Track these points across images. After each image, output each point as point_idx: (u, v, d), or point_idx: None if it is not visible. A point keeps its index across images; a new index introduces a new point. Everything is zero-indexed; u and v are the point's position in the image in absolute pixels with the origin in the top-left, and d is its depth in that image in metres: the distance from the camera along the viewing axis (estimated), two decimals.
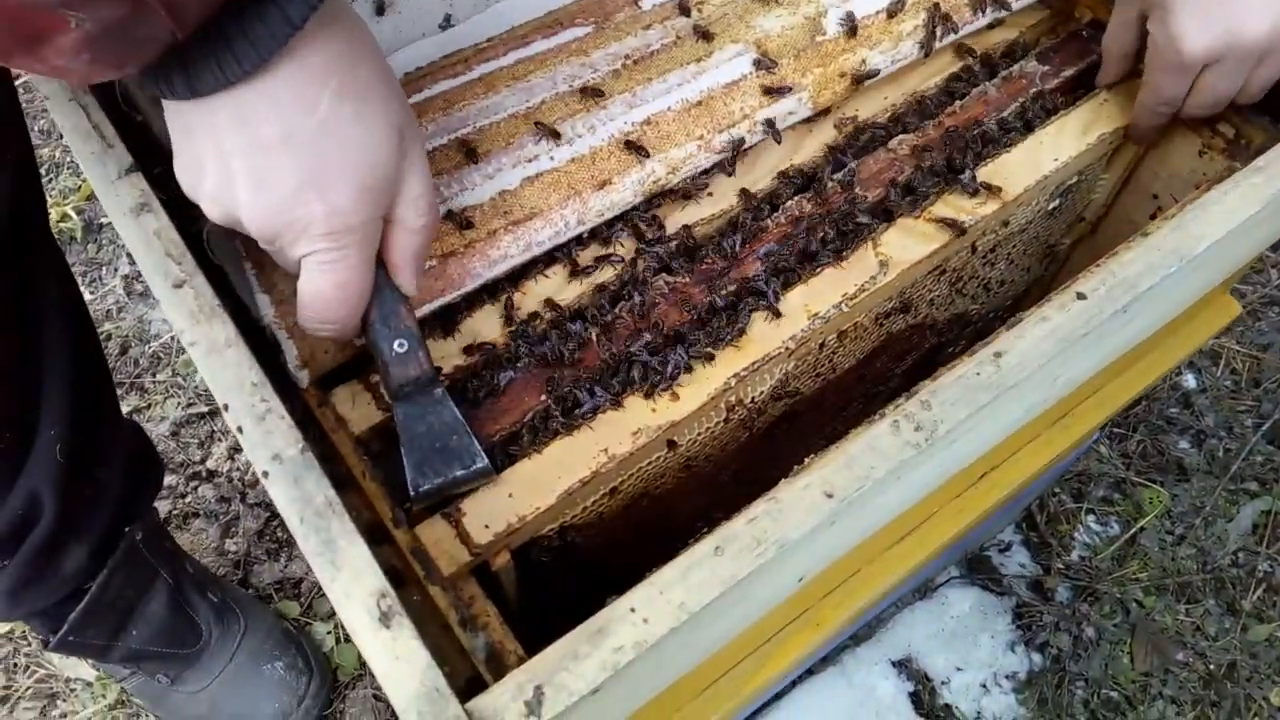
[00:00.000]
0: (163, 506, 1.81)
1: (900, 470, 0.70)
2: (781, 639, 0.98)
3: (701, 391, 0.86)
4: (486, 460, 0.80)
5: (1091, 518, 1.82)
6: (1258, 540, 1.78)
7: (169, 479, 1.84)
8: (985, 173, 0.99)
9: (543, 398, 0.87)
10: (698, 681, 0.92)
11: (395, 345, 0.78)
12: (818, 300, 0.91)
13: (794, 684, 1.51)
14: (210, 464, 1.88)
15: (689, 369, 0.87)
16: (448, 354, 0.89)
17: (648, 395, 0.85)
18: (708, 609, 0.65)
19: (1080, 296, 0.75)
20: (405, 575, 0.81)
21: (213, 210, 0.69)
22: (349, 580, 0.64)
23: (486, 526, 0.79)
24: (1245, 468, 1.85)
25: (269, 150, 0.64)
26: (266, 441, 0.69)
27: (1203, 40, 0.89)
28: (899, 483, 0.73)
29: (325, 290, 0.71)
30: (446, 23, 1.06)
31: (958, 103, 1.06)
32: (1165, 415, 1.93)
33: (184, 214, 0.80)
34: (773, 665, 0.98)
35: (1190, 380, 1.98)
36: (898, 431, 0.70)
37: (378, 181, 0.68)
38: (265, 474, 0.68)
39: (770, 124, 0.98)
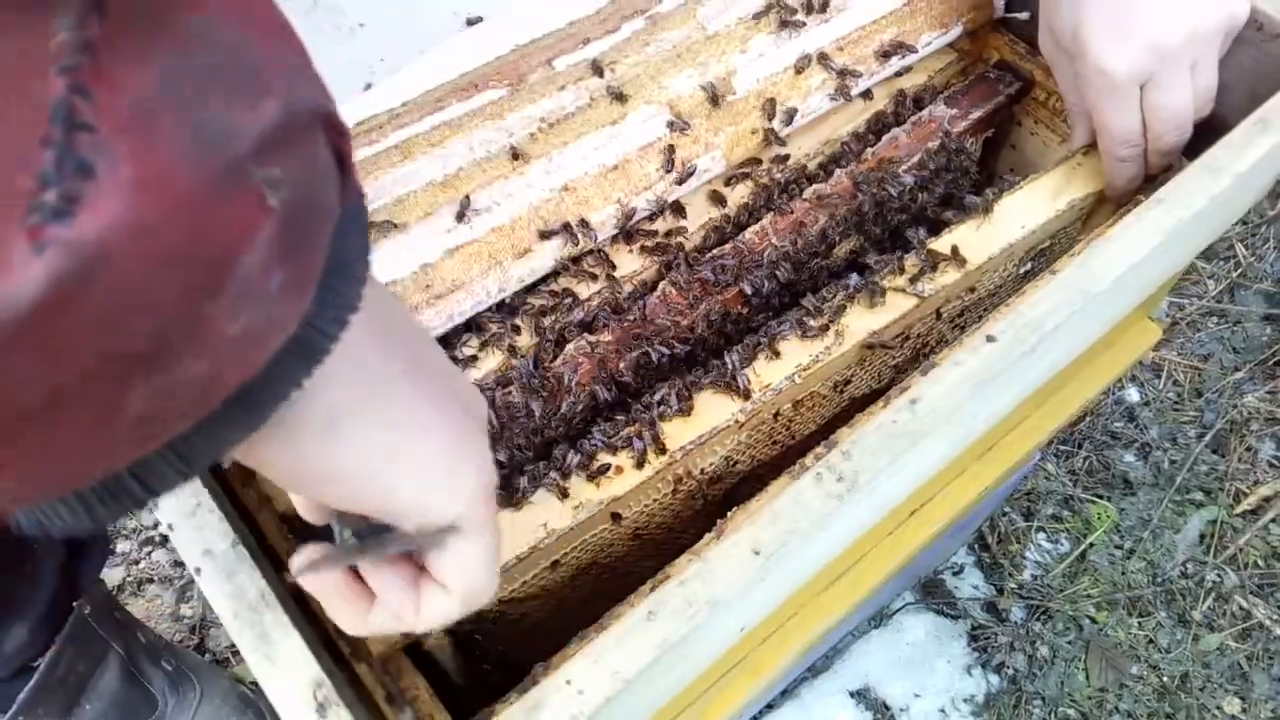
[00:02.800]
0: (116, 573, 1.79)
1: (825, 522, 0.72)
2: (720, 687, 0.99)
3: (646, 467, 0.86)
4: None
5: (1042, 536, 1.84)
6: (1205, 550, 1.82)
7: (122, 545, 1.82)
8: (949, 239, 0.98)
9: None
10: None
11: None
12: (770, 371, 0.91)
13: (754, 719, 1.52)
14: (163, 529, 1.85)
15: (627, 445, 0.87)
16: None
17: (590, 479, 0.86)
18: (643, 674, 0.66)
19: (990, 339, 0.77)
20: (336, 651, 0.81)
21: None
22: (284, 673, 0.65)
23: None
24: (1190, 478, 1.89)
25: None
26: (198, 538, 0.69)
27: (1125, 57, 0.90)
28: (825, 533, 0.74)
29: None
30: (367, 90, 1.07)
31: (869, 150, 1.09)
32: (1110, 430, 1.97)
33: None
34: (712, 714, 0.98)
35: (1133, 394, 2.02)
36: (820, 483, 0.72)
37: None
38: (198, 570, 0.68)
39: (687, 182, 1.00)
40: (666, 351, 0.96)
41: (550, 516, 0.84)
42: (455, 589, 0.53)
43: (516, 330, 0.95)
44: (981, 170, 1.25)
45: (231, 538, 0.69)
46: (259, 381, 0.37)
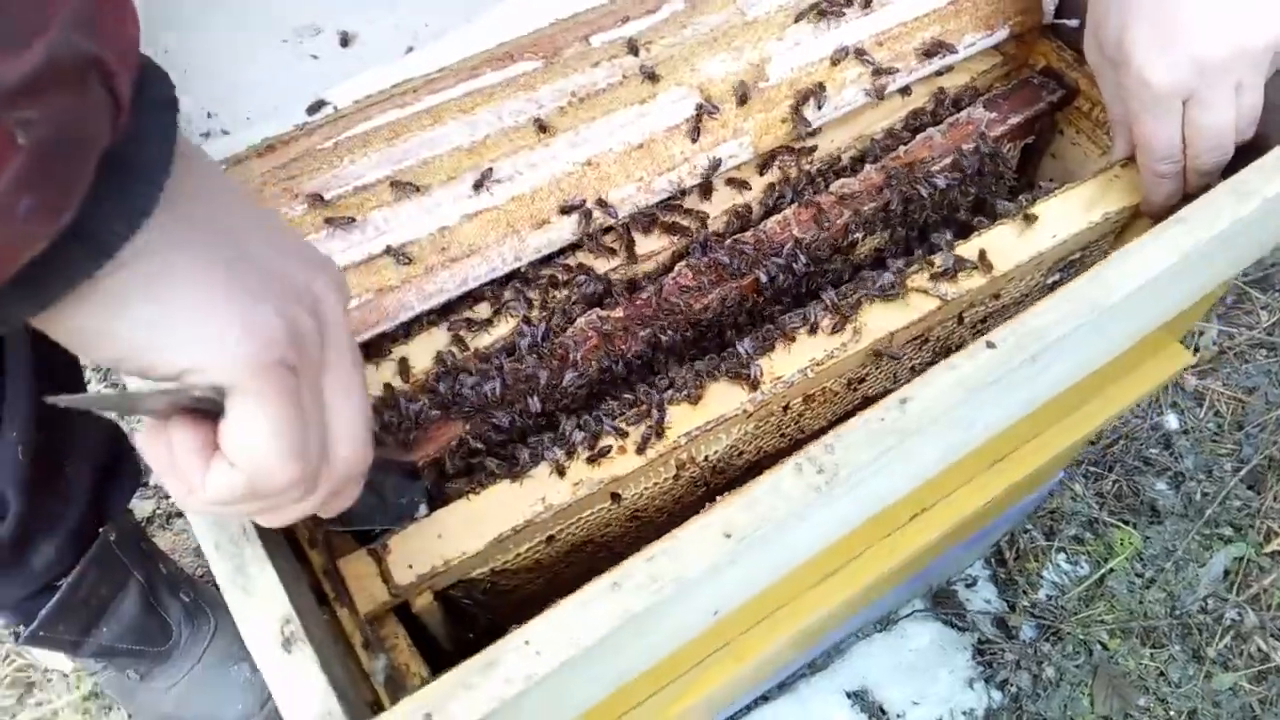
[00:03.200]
0: (147, 506, 1.85)
1: (803, 512, 0.72)
2: (702, 669, 0.99)
3: (649, 449, 0.86)
4: (424, 506, 0.82)
5: (1062, 556, 1.82)
6: (1228, 587, 1.78)
7: (155, 479, 1.87)
8: (978, 244, 0.96)
9: (476, 444, 0.89)
10: (613, 709, 0.93)
11: None
12: (783, 363, 0.90)
13: (749, 709, 1.52)
14: None
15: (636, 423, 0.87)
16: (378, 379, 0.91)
17: (591, 461, 0.86)
18: (603, 642, 0.66)
19: (990, 345, 0.77)
20: (321, 593, 0.83)
21: None
22: (257, 606, 0.67)
23: (410, 566, 0.81)
24: (1221, 512, 1.85)
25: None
26: None
27: (1168, 71, 0.88)
28: (805, 524, 0.74)
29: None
30: (408, 53, 1.08)
31: (902, 148, 1.08)
32: (1144, 456, 1.93)
33: None
34: (693, 694, 0.99)
35: (1172, 421, 1.98)
36: (800, 474, 0.72)
37: None
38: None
39: (714, 168, 1.00)
40: (676, 335, 0.96)
41: (549, 491, 0.85)
42: (238, 461, 0.54)
43: (529, 302, 0.96)
44: (1020, 177, 1.23)
45: None
46: (45, 272, 0.44)
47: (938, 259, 0.95)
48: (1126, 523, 1.83)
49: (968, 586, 1.77)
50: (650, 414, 0.87)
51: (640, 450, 0.86)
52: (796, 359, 0.91)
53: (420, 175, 0.95)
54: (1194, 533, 1.82)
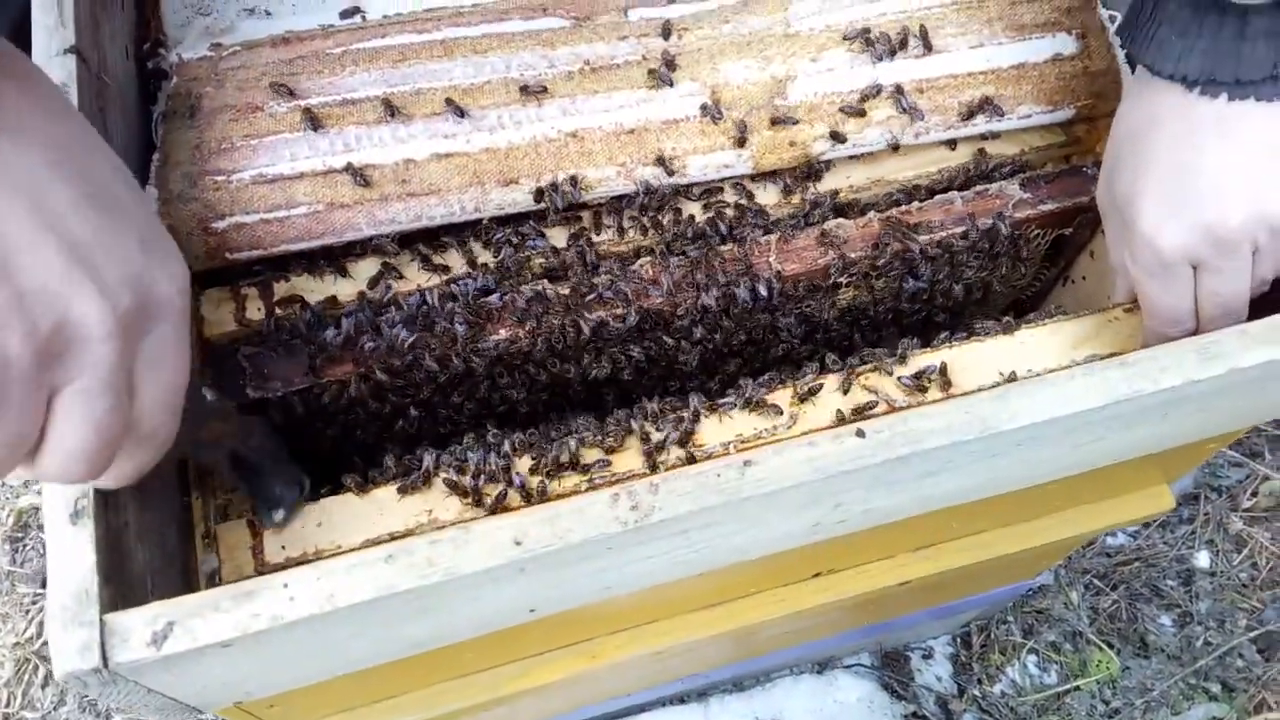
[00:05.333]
0: None
1: (606, 541, 0.70)
2: (549, 659, 0.99)
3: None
4: (283, 512, 0.82)
5: (1033, 658, 1.74)
6: None
7: None
8: (945, 355, 0.90)
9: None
10: (427, 671, 0.93)
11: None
12: (708, 432, 0.87)
13: (643, 709, 1.52)
14: None
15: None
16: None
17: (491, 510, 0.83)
18: (359, 608, 0.67)
19: (859, 434, 0.73)
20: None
21: None
22: None
23: (283, 548, 0.82)
24: (1216, 667, 1.73)
25: None
26: None
27: (1177, 235, 0.80)
28: (614, 553, 0.73)
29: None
30: None
31: (916, 204, 1.02)
32: (1156, 585, 1.82)
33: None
34: (533, 679, 0.99)
35: (1202, 559, 1.86)
36: (615, 504, 0.70)
37: None
38: None
39: (703, 174, 0.97)
40: (618, 326, 0.94)
41: (438, 507, 0.83)
42: None
43: (475, 257, 0.96)
44: (1051, 266, 1.15)
45: None
46: None
47: (894, 365, 0.90)
48: (1111, 646, 1.74)
49: (923, 657, 1.72)
50: (558, 464, 0.84)
51: (532, 496, 0.84)
52: (721, 430, 0.87)
53: (409, 103, 0.95)
54: (1179, 678, 1.71)
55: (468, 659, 0.94)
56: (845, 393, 0.88)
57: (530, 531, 0.69)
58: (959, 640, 1.73)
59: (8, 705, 1.75)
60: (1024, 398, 0.74)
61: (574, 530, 0.69)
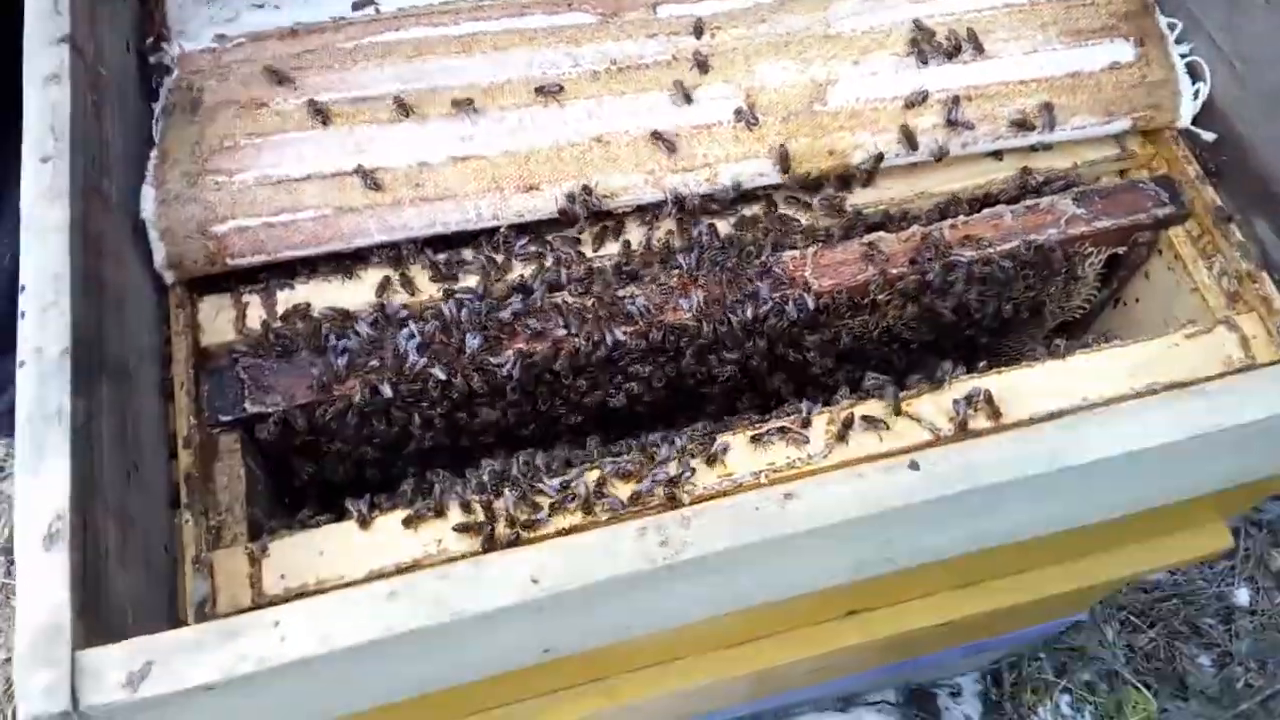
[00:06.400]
0: None
1: (632, 580, 0.63)
2: (564, 698, 0.92)
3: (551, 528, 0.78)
4: None
5: (1066, 698, 1.65)
6: None
7: None
8: (991, 382, 0.84)
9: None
10: (421, 715, 0.86)
11: None
12: (738, 460, 0.80)
13: None
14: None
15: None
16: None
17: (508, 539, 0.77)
18: (357, 650, 0.60)
19: (913, 466, 0.66)
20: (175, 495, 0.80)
21: None
22: (36, 493, 0.63)
23: (282, 577, 0.76)
24: (1258, 712, 1.64)
25: None
26: (38, 332, 0.68)
27: None
28: (640, 592, 0.66)
29: None
30: None
31: (963, 218, 0.96)
32: (1195, 623, 1.74)
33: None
34: (549, 717, 0.92)
35: (1242, 596, 1.77)
36: (641, 538, 0.63)
37: None
38: (22, 363, 0.67)
39: (736, 184, 0.91)
40: (633, 342, 0.88)
41: (448, 537, 0.77)
42: None
43: (490, 265, 0.89)
44: (1103, 286, 1.08)
45: (65, 345, 0.67)
46: None
47: (942, 393, 0.83)
48: (1148, 686, 1.65)
49: (951, 695, 1.64)
50: (577, 498, 0.78)
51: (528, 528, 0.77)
52: (752, 458, 0.81)
53: (424, 101, 0.89)
54: None
55: (475, 697, 0.87)
56: (886, 422, 0.81)
57: (549, 567, 0.62)
58: (989, 678, 1.65)
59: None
60: (1096, 429, 0.68)
61: (597, 567, 0.62)
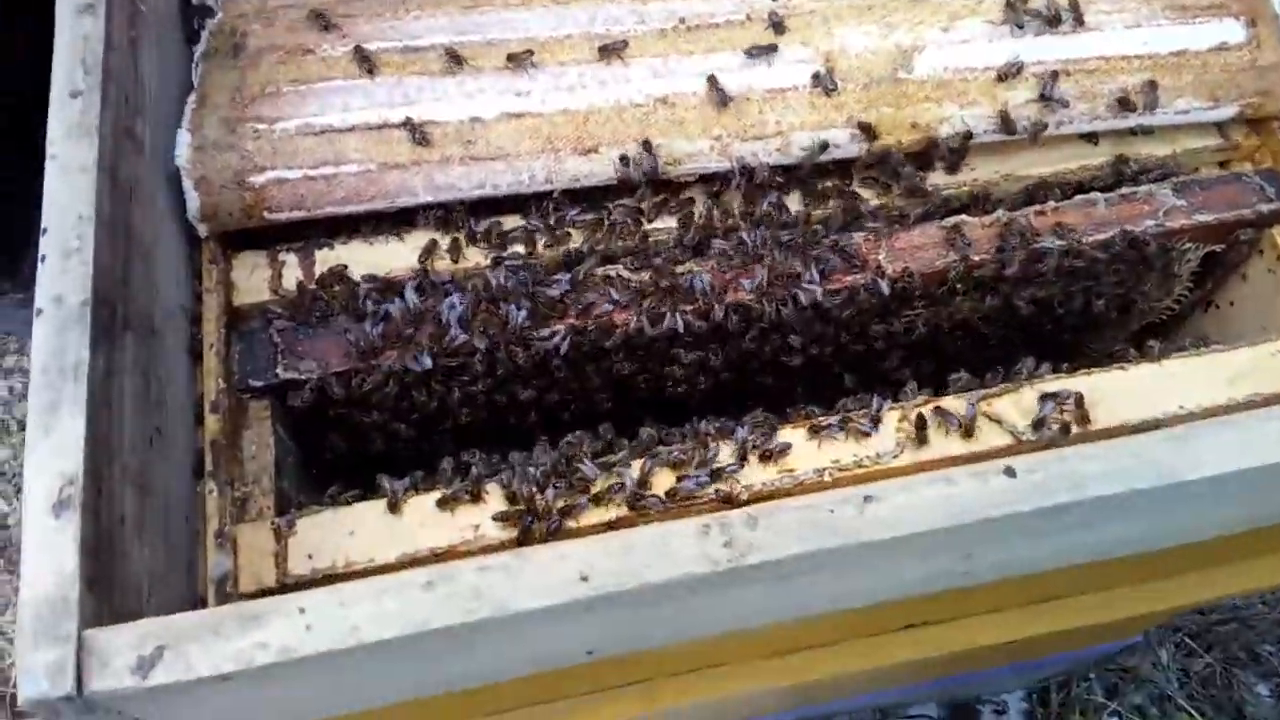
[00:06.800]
0: None
1: (691, 583, 0.57)
2: (599, 700, 0.86)
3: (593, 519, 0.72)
4: None
5: None
6: None
7: None
8: (1080, 383, 0.78)
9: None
10: (447, 712, 0.81)
11: None
12: (800, 456, 0.74)
13: None
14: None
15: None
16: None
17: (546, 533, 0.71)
18: (387, 645, 0.55)
19: (1009, 473, 0.59)
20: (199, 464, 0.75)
21: None
22: (47, 453, 0.58)
23: (309, 557, 0.71)
24: None
25: None
26: (58, 279, 0.63)
27: None
28: (698, 596, 0.60)
29: None
30: None
31: (1053, 203, 0.88)
32: (1255, 650, 1.65)
33: None
34: (583, 718, 0.87)
35: None
36: (704, 538, 0.57)
37: None
38: (39, 311, 0.62)
39: (820, 150, 0.84)
40: (694, 323, 0.82)
41: (485, 522, 0.72)
42: None
43: (535, 234, 0.83)
44: (1195, 286, 1.00)
45: (86, 295, 0.62)
46: None
47: (1024, 393, 0.77)
48: (1202, 714, 1.57)
49: (996, 712, 1.57)
50: (624, 488, 0.72)
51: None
52: (816, 454, 0.75)
53: (478, 54, 0.83)
54: None
55: (505, 696, 0.81)
56: (965, 428, 0.74)
57: (599, 565, 0.56)
58: (1035, 696, 1.58)
59: (14, 686, 1.65)
60: (1207, 441, 0.61)
61: (652, 567, 0.56)
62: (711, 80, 0.82)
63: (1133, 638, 1.44)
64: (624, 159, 0.82)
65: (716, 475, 0.73)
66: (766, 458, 0.74)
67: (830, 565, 0.60)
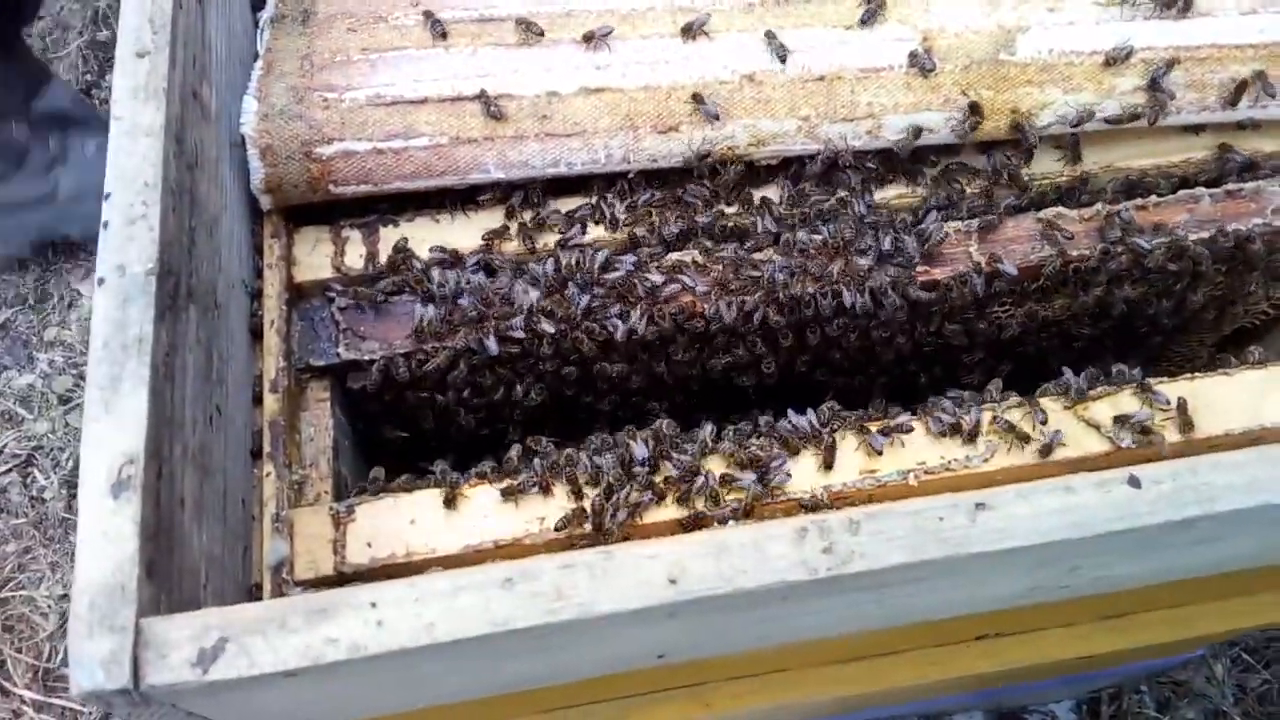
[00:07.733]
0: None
1: (784, 591, 0.53)
2: (654, 701, 0.83)
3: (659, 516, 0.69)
4: None
5: None
6: None
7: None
8: (1182, 388, 0.74)
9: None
10: (503, 711, 0.77)
11: None
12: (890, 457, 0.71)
13: None
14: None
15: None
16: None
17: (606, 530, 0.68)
18: (463, 644, 0.51)
19: (1133, 483, 0.55)
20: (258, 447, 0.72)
21: None
22: (107, 429, 0.55)
23: (369, 545, 0.68)
24: None
25: None
26: (122, 247, 0.60)
27: None
28: (789, 603, 0.56)
29: None
30: None
31: (1155, 197, 0.84)
32: None
33: None
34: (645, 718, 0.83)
35: None
36: (801, 541, 0.53)
37: None
38: (101, 281, 0.59)
39: (915, 135, 0.80)
40: (767, 315, 0.78)
41: (550, 512, 0.69)
42: None
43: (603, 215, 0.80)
44: None
45: (152, 265, 0.59)
46: None
47: (1122, 397, 0.72)
48: None
49: None
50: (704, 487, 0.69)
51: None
52: (900, 455, 0.71)
53: (557, 26, 0.79)
54: None
55: (558, 695, 0.78)
56: (1060, 427, 0.70)
57: (690, 567, 0.52)
58: (1085, 708, 1.53)
59: (49, 660, 1.64)
60: None
61: (747, 572, 0.52)
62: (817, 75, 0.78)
63: (1195, 652, 1.39)
64: (709, 140, 0.78)
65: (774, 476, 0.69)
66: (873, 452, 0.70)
67: (933, 576, 0.56)
